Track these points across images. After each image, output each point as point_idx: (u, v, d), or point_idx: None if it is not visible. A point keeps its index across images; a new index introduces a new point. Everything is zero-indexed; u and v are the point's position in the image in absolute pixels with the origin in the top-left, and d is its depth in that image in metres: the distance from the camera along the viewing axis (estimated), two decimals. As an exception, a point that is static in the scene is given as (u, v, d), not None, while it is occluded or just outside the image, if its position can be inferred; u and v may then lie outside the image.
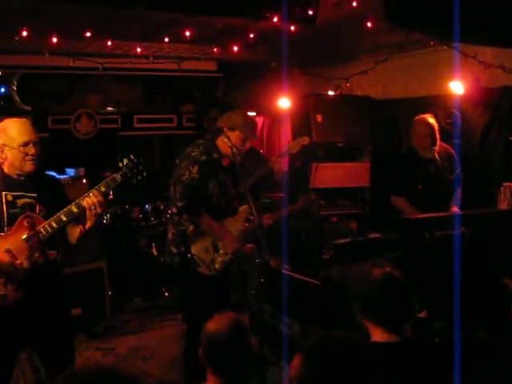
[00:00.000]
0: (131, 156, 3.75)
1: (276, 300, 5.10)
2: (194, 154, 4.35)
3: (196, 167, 4.28)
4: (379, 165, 6.79)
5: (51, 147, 7.87)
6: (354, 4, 4.59)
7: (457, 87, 5.56)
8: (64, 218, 3.55)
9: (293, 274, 5.25)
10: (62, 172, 6.66)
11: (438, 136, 5.41)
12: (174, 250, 4.43)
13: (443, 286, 4.35)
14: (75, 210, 3.55)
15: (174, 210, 4.40)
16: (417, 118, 5.49)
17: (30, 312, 3.62)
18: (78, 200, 3.56)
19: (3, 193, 3.58)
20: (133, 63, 6.72)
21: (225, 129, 4.39)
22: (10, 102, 7.66)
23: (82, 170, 6.75)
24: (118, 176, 3.64)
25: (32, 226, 3.56)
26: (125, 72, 7.53)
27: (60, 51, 5.87)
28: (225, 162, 4.49)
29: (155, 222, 7.14)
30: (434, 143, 5.40)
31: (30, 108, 7.72)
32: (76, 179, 6.51)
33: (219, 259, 4.40)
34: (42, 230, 3.56)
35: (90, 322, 5.99)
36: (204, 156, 4.34)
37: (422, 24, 4.35)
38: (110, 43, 5.62)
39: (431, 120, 5.41)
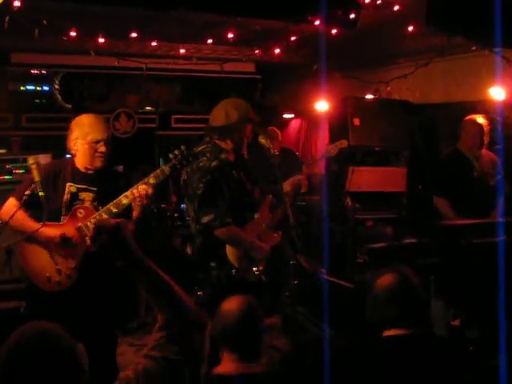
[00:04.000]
0: (182, 147, 3.81)
1: (309, 302, 5.11)
2: (201, 163, 4.09)
3: (208, 176, 4.04)
4: (416, 170, 6.75)
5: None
6: (397, 8, 4.56)
7: (498, 93, 5.49)
8: (114, 210, 3.71)
9: (327, 277, 5.25)
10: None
11: (486, 138, 5.43)
12: (212, 264, 4.22)
13: (479, 293, 4.31)
14: (124, 201, 3.71)
15: (198, 227, 4.15)
16: (468, 117, 5.51)
17: (80, 300, 3.82)
18: (127, 192, 3.72)
19: (67, 184, 3.80)
20: (176, 63, 6.80)
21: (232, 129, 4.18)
22: (51, 100, 7.79)
23: (120, 168, 6.83)
24: (166, 168, 3.76)
25: (85, 217, 3.77)
26: (165, 72, 7.60)
27: (102, 51, 5.96)
28: (231, 158, 4.24)
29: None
30: (481, 145, 5.42)
31: (70, 106, 7.84)
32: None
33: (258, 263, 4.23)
34: (93, 221, 3.73)
35: (124, 319, 6.07)
36: (214, 162, 4.10)
37: (463, 28, 4.32)
38: (154, 43, 5.67)
39: (482, 120, 5.42)
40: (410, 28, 5.05)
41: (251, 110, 4.29)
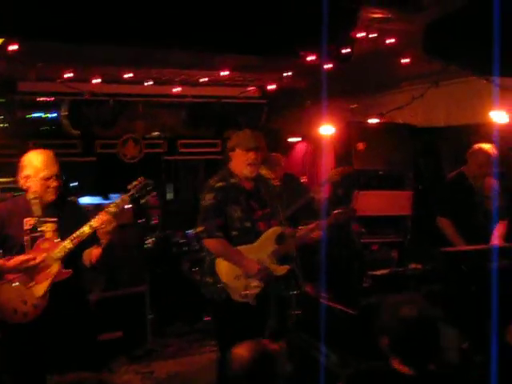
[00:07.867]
0: (139, 178, 4.04)
1: (313, 328, 5.10)
2: (211, 182, 4.45)
3: (212, 194, 4.35)
4: (421, 193, 6.75)
5: (98, 171, 8.10)
6: (393, 40, 4.58)
7: (499, 117, 5.49)
8: (77, 240, 3.83)
9: (330, 303, 5.26)
10: (106, 198, 6.77)
11: (492, 167, 5.42)
12: (209, 280, 4.40)
13: (481, 319, 4.30)
14: (87, 230, 3.82)
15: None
16: (478, 145, 5.49)
17: (49, 331, 3.88)
18: (90, 222, 3.84)
19: (25, 219, 3.88)
20: (181, 84, 6.88)
21: (229, 153, 4.51)
22: (59, 126, 7.85)
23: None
24: (126, 197, 3.96)
25: (49, 248, 3.86)
26: (170, 99, 7.69)
27: (107, 80, 6.07)
28: (247, 186, 4.49)
29: (197, 247, 7.19)
30: (487, 173, 5.41)
31: (78, 133, 7.91)
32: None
33: (253, 285, 4.32)
34: (58, 251, 3.84)
35: (130, 345, 6.09)
36: (219, 182, 4.41)
37: (459, 58, 4.35)
38: (150, 83, 5.76)
39: (492, 150, 5.39)
40: (406, 60, 5.06)
41: (250, 137, 4.44)
